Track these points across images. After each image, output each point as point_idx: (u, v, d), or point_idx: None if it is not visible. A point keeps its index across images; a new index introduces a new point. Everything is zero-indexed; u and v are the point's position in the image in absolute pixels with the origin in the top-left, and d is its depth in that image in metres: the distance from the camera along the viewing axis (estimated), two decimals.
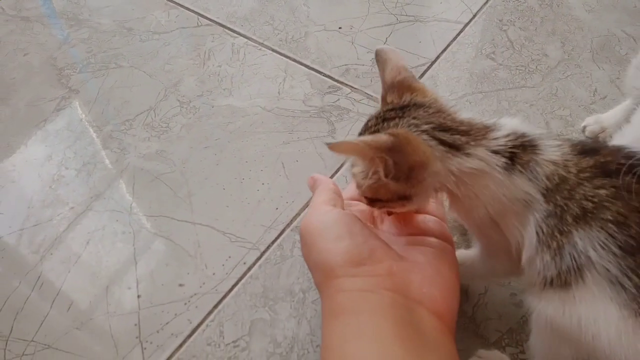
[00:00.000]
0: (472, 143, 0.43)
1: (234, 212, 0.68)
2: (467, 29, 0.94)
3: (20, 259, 0.66)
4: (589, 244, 0.40)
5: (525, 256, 0.44)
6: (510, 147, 0.43)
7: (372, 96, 0.82)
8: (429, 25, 0.95)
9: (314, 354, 0.55)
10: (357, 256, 0.45)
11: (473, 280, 0.57)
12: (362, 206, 0.55)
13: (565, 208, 0.41)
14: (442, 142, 0.43)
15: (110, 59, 0.92)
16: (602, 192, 0.40)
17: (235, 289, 0.61)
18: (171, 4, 1.03)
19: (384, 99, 0.49)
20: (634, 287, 0.38)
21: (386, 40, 0.92)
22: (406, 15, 0.97)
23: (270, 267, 0.63)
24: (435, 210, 0.55)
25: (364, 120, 0.50)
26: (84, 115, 0.83)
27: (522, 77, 0.84)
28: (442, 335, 0.44)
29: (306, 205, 0.69)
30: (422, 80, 0.83)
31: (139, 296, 0.61)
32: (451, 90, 0.83)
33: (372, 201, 0.48)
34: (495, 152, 0.42)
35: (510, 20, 0.94)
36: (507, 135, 0.43)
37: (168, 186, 0.72)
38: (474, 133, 0.44)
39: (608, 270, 0.39)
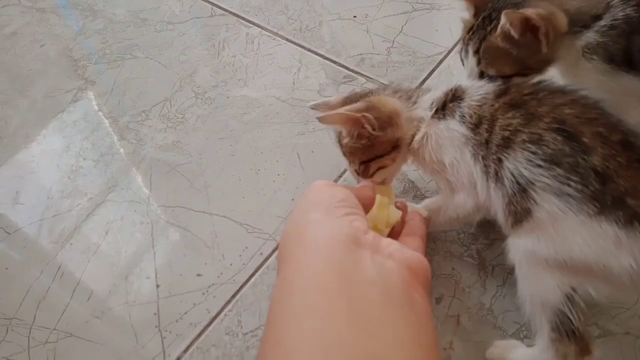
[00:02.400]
0: (417, 101, 0.57)
1: (250, 203, 0.69)
2: None
3: (41, 249, 0.67)
4: (519, 164, 0.46)
5: (479, 186, 0.52)
6: (441, 100, 0.55)
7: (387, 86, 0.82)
8: (445, 13, 0.93)
9: None
10: (341, 201, 0.42)
11: (449, 222, 0.57)
12: None
13: (489, 139, 0.49)
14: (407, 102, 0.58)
15: (126, 50, 0.92)
16: (515, 121, 0.48)
17: (253, 279, 0.61)
18: None
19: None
20: (575, 191, 0.43)
21: (402, 29, 0.90)
22: (422, 3, 0.95)
23: None
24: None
25: None
26: (100, 106, 0.84)
27: None
28: (414, 291, 0.38)
29: None
30: (437, 70, 0.83)
31: (157, 286, 0.61)
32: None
33: (367, 162, 0.57)
34: (431, 105, 0.56)
35: None
36: (443, 93, 0.56)
37: (185, 177, 0.72)
38: (417, 95, 0.58)
39: (547, 184, 0.45)
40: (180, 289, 0.61)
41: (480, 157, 0.51)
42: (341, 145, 0.58)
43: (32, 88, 0.87)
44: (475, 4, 0.58)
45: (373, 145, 0.55)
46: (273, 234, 0.65)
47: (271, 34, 0.93)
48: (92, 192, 0.72)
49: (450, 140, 0.53)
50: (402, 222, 0.56)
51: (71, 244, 0.66)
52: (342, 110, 0.54)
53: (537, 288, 0.47)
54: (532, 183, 0.46)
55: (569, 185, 0.43)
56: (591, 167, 0.43)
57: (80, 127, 0.81)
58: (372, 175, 0.58)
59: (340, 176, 0.71)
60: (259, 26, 0.95)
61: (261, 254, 0.63)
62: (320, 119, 0.55)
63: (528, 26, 0.51)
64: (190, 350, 0.56)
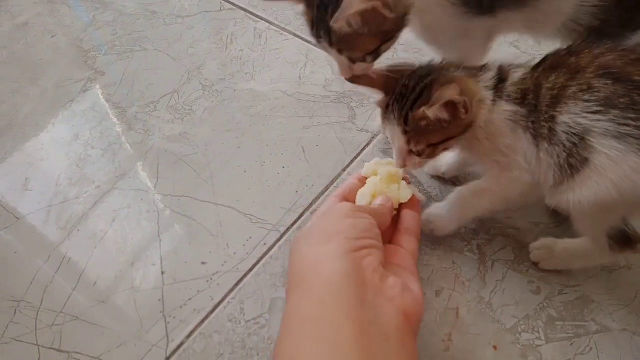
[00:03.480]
0: (479, 81, 0.54)
1: (255, 194, 0.70)
2: None
3: (49, 234, 0.68)
4: (574, 115, 0.47)
5: (528, 155, 0.52)
6: (493, 84, 0.54)
7: None
8: None
9: None
10: (358, 233, 0.48)
11: (494, 204, 0.57)
12: None
13: (538, 104, 0.50)
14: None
15: (135, 42, 0.94)
16: (560, 79, 0.49)
17: (256, 268, 0.62)
18: None
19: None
20: (635, 129, 0.44)
21: None
22: None
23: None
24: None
25: None
26: (109, 97, 0.85)
27: None
28: (406, 337, 0.44)
29: (326, 188, 0.70)
30: None
31: (163, 273, 0.63)
32: None
33: (436, 145, 0.54)
34: (487, 87, 0.53)
35: None
36: (492, 77, 0.54)
37: (191, 167, 0.74)
38: (478, 74, 0.55)
39: (606, 128, 0.45)
40: (185, 276, 0.62)
41: (530, 124, 0.51)
42: (406, 126, 0.53)
43: (42, 77, 0.89)
44: None
45: (449, 127, 0.52)
46: (277, 224, 0.66)
47: (279, 29, 0.94)
48: (99, 181, 0.73)
49: (504, 123, 0.52)
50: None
51: (78, 231, 0.68)
52: (447, 97, 0.49)
53: (600, 223, 0.51)
54: (590, 130, 0.46)
55: (626, 125, 0.44)
56: None
57: (89, 117, 0.82)
58: (435, 156, 0.57)
59: (344, 169, 0.72)
60: (266, 21, 0.96)
61: (265, 244, 0.64)
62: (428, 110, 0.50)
63: (366, 13, 0.48)
64: (193, 336, 0.57)
